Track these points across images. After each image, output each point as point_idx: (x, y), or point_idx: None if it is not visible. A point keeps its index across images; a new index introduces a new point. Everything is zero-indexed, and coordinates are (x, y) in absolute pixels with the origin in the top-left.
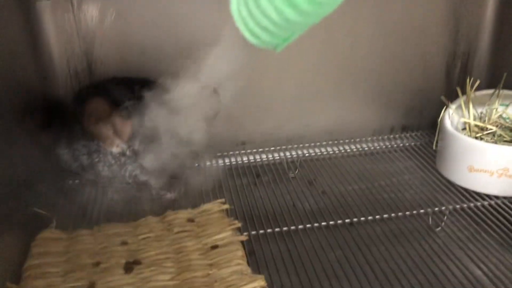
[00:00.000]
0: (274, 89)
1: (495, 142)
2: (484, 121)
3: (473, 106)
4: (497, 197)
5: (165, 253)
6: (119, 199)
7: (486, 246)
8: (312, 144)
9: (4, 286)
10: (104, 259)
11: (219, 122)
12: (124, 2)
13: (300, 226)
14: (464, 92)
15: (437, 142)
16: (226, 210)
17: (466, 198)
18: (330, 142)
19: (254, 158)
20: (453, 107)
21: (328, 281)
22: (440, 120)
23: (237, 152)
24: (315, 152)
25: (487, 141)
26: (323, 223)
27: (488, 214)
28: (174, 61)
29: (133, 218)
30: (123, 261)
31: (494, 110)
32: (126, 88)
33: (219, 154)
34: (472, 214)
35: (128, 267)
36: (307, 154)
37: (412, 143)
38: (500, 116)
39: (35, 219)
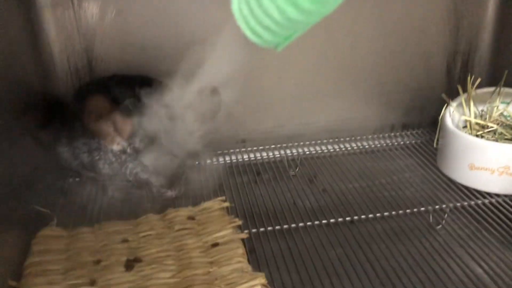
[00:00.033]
0: (274, 87)
1: (496, 140)
2: (485, 119)
3: (474, 104)
4: (498, 195)
5: (165, 251)
6: (120, 197)
7: (487, 244)
8: (313, 142)
9: (5, 284)
10: (104, 257)
11: (219, 120)
12: None
13: (301, 224)
14: (465, 90)
15: (437, 140)
16: (227, 208)
17: (467, 196)
18: (330, 140)
19: (255, 156)
20: (454, 105)
21: (328, 279)
22: (441, 118)
23: (238, 150)
24: (315, 150)
25: (488, 139)
26: (324, 221)
27: (489, 212)
28: (174, 59)
29: (133, 216)
30: (124, 258)
31: (495, 108)
32: (127, 85)
33: (219, 152)
34: (472, 212)
35: (129, 265)
36: (307, 152)
37: (413, 141)
38: (501, 114)
39: (36, 217)
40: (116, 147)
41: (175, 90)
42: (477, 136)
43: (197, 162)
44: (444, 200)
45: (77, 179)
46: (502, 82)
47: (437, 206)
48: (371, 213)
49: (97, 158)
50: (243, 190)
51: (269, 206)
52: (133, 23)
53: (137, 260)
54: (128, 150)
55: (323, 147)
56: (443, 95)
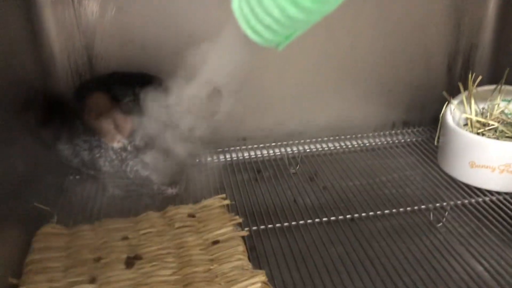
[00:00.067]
0: (275, 85)
1: (497, 138)
2: (486, 116)
3: (475, 102)
4: (498, 193)
5: (166, 248)
6: (120, 195)
7: (487, 242)
8: (313, 139)
9: (6, 281)
10: (105, 254)
11: (220, 118)
12: None
13: (301, 222)
14: (466, 88)
15: (438, 137)
16: (227, 205)
17: (468, 194)
18: (331, 138)
19: (255, 154)
20: (455, 102)
21: (329, 276)
22: (442, 116)
23: (238, 147)
24: (316, 147)
25: (489, 136)
26: (324, 219)
27: (490, 210)
28: (175, 57)
29: (134, 213)
30: (124, 256)
31: (496, 105)
32: (127, 83)
33: (220, 149)
34: (473, 210)
35: (129, 262)
36: (308, 150)
37: (414, 139)
38: (502, 111)
39: (36, 215)
40: (116, 145)
41: (175, 88)
42: (478, 134)
43: (197, 160)
44: (445, 198)
45: (77, 176)
46: (503, 80)
47: (437, 204)
48: (371, 211)
49: (98, 156)
50: (243, 188)
51: (270, 204)
52: (133, 21)
53: (137, 257)
54: (129, 148)
55: (324, 145)
56: (444, 93)
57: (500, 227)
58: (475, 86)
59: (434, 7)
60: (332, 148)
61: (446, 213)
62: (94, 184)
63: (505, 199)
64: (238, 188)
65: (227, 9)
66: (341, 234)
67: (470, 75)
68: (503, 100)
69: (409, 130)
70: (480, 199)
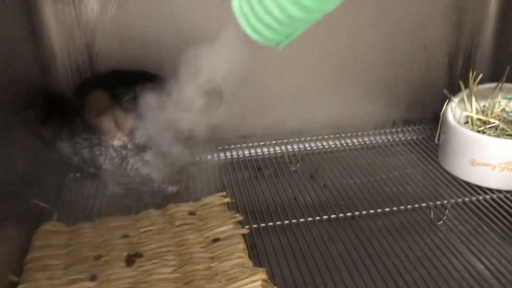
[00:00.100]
0: (276, 83)
1: (498, 136)
2: (487, 114)
3: (476, 100)
4: (499, 191)
5: (166, 246)
6: (121, 192)
7: (488, 240)
8: (314, 137)
9: (6, 279)
10: (105, 252)
11: (220, 116)
12: None
13: (302, 220)
14: (466, 86)
15: (439, 135)
16: (228, 203)
17: (468, 192)
18: (332, 136)
19: (256, 152)
20: (455, 100)
21: (329, 274)
22: (443, 114)
23: (239, 145)
24: (316, 145)
25: (489, 134)
26: (325, 217)
27: (490, 208)
28: (175, 55)
29: (134, 211)
30: (125, 254)
31: (497, 103)
32: (127, 81)
33: (220, 147)
34: (474, 208)
35: (130, 260)
36: (308, 148)
37: (414, 137)
38: (503, 109)
39: (37, 212)
40: (117, 143)
41: (175, 86)
42: (478, 132)
43: (198, 158)
44: (445, 196)
45: (77, 174)
46: (504, 78)
47: (438, 202)
48: (372, 208)
49: (98, 154)
50: (244, 186)
51: (270, 202)
52: (133, 19)
53: (137, 255)
54: (129, 146)
55: (324, 143)
56: (445, 91)
57: (501, 225)
58: (475, 84)
59: (435, 4)
60: (332, 146)
61: (447, 211)
62: (95, 182)
63: (505, 197)
64: (239, 186)
65: (227, 8)
66: (341, 232)
67: (471, 73)
68: (504, 98)
69: (410, 128)
70: (480, 197)
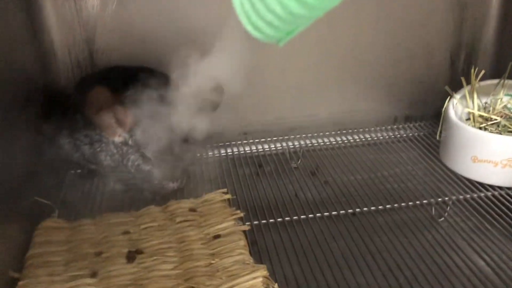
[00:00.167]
0: (277, 80)
1: (500, 133)
2: (489, 111)
3: (478, 96)
4: (500, 187)
5: (167, 243)
6: (121, 189)
7: (489, 237)
8: (315, 134)
9: (7, 275)
10: (106, 249)
11: (221, 112)
12: None
13: (303, 216)
14: (468, 82)
15: (440, 132)
16: (228, 200)
17: (470, 188)
18: (333, 132)
19: (257, 148)
20: (457, 97)
21: (330, 271)
22: (444, 110)
23: (240, 142)
24: (318, 142)
25: (491, 131)
26: (326, 213)
27: (492, 205)
28: (176, 51)
29: (135, 207)
30: (125, 250)
31: (499, 100)
32: (128, 77)
33: (221, 144)
34: (475, 204)
35: (130, 257)
36: (309, 144)
37: (416, 134)
38: (505, 106)
39: (37, 209)
40: (117, 139)
41: (176, 82)
42: (480, 128)
43: (198, 155)
44: (447, 192)
45: (78, 171)
46: (506, 74)
47: (439, 199)
48: (373, 205)
49: (99, 150)
50: (245, 182)
51: (271, 198)
52: (134, 15)
53: (138, 252)
54: (130, 142)
55: (325, 139)
56: (447, 88)
57: (502, 221)
58: (477, 80)
59: (436, 3)
60: (334, 142)
61: (448, 207)
62: (95, 178)
63: (507, 193)
64: (240, 183)
65: (228, 5)
66: (342, 228)
67: (472, 70)
68: (506, 95)
69: (411, 125)
70: (482, 194)
